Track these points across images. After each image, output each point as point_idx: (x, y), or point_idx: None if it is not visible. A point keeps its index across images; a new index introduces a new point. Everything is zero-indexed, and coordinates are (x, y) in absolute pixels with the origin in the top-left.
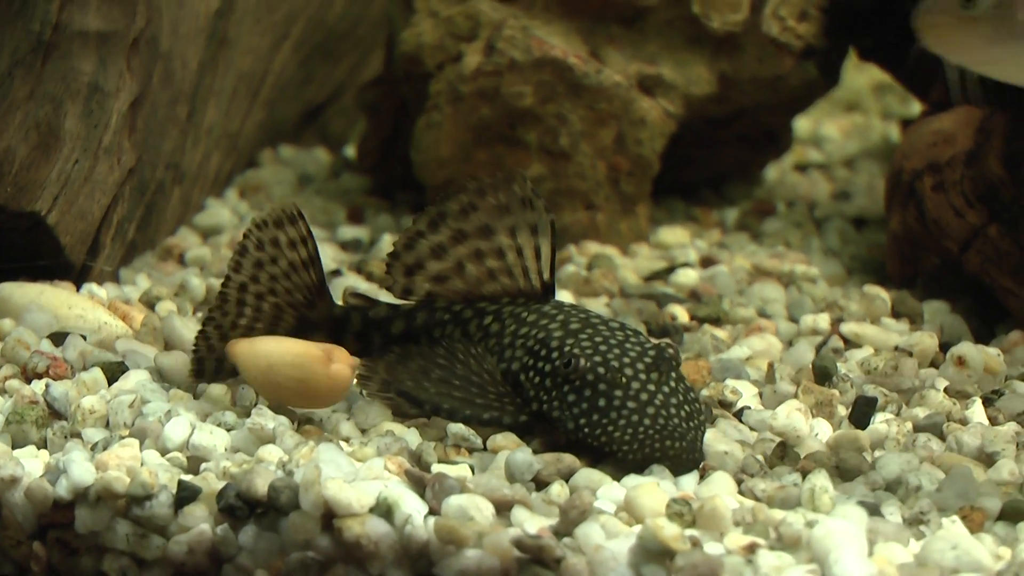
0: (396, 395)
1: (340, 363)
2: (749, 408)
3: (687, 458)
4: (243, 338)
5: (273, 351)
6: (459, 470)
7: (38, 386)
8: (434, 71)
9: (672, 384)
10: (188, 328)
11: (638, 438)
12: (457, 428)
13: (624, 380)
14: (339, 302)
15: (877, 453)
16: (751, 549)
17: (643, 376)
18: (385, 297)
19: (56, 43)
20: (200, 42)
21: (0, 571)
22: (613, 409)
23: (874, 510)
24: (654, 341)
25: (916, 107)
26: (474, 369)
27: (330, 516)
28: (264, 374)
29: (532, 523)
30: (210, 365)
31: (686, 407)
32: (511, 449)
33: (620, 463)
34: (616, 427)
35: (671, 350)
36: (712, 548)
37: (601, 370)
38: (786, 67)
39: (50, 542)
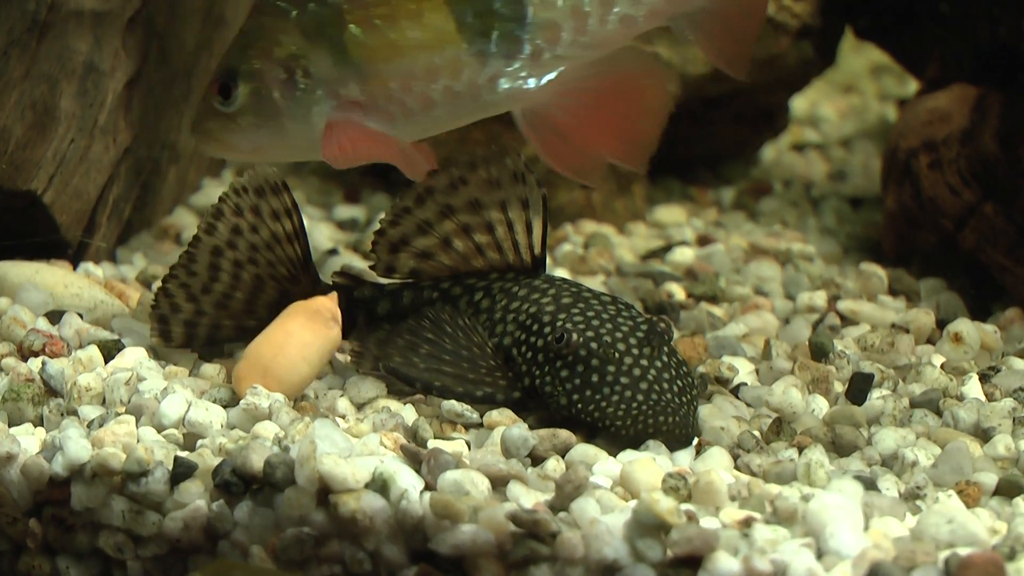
0: (386, 372)
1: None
2: (745, 384)
3: (680, 433)
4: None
5: (281, 323)
6: (455, 446)
7: (34, 364)
8: None
9: (664, 359)
10: None
11: (631, 413)
12: (451, 404)
13: (616, 355)
14: (327, 280)
15: (873, 429)
16: (747, 523)
17: (635, 351)
18: (377, 277)
19: (51, 23)
20: (196, 22)
21: None
22: (606, 384)
23: (870, 484)
24: (646, 316)
25: (913, 89)
26: (463, 343)
27: (326, 492)
28: (285, 345)
29: (528, 498)
30: (178, 329)
31: (679, 382)
32: (507, 425)
33: (613, 438)
34: (609, 403)
35: (663, 324)
36: (708, 522)
37: (594, 345)
38: (782, 46)
39: (46, 519)
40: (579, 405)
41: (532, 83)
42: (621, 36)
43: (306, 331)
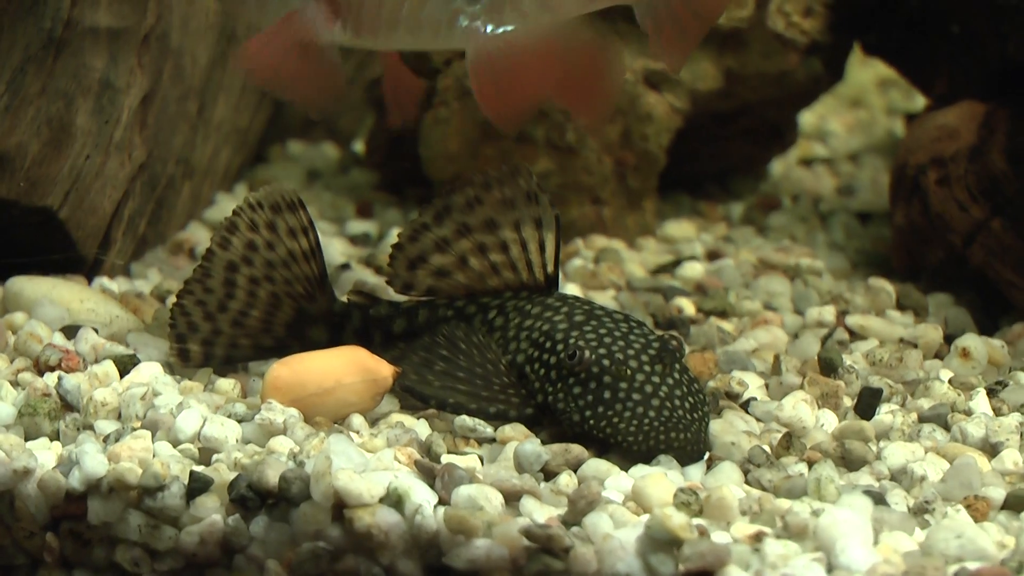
0: (400, 389)
1: (382, 362)
2: (755, 399)
3: (691, 449)
4: (278, 362)
5: (335, 369)
6: (468, 461)
7: (50, 379)
8: (442, 67)
9: (676, 376)
10: None
11: (643, 430)
12: (463, 420)
13: (629, 372)
14: (343, 298)
15: (882, 444)
16: (758, 538)
17: (647, 368)
18: (392, 294)
19: (67, 39)
20: (210, 38)
21: (13, 562)
22: (618, 401)
23: (879, 499)
24: (658, 333)
25: (920, 102)
26: (477, 360)
27: (341, 507)
28: (328, 393)
29: (541, 513)
30: (196, 348)
31: (690, 399)
32: (520, 440)
33: (625, 454)
34: (621, 419)
35: (675, 342)
36: (719, 537)
37: (606, 362)
38: (791, 63)
39: (63, 533)
40: (591, 421)
41: (488, 28)
42: (581, 4)
43: (353, 394)
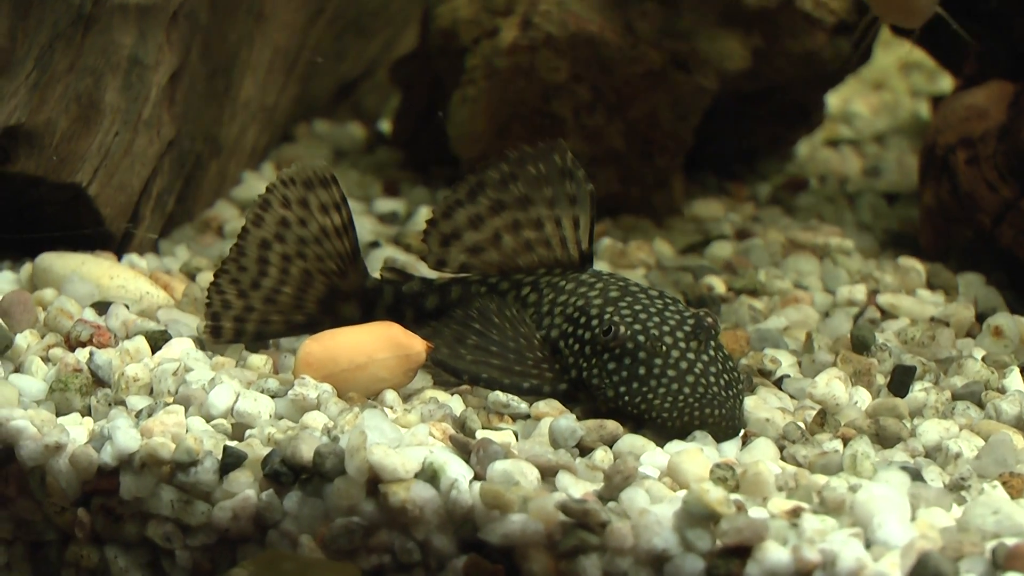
0: (433, 364)
1: (414, 338)
2: (788, 376)
3: (726, 425)
4: (310, 338)
5: (367, 344)
6: (503, 436)
7: (82, 354)
8: (470, 46)
9: (711, 352)
10: None
11: (678, 406)
12: (496, 396)
13: (664, 348)
14: (375, 274)
15: (916, 421)
16: (795, 513)
17: (683, 344)
18: (423, 271)
19: (96, 16)
20: (237, 16)
21: (43, 538)
22: (653, 377)
23: (916, 475)
24: (693, 310)
25: (944, 85)
26: (510, 335)
27: (375, 482)
28: (360, 369)
29: (577, 488)
30: (228, 324)
31: (725, 375)
32: (554, 416)
33: (660, 430)
34: (656, 395)
35: (710, 319)
36: (756, 512)
37: (641, 338)
38: (819, 42)
39: (94, 509)
40: (626, 397)
41: None
42: None
43: (385, 369)
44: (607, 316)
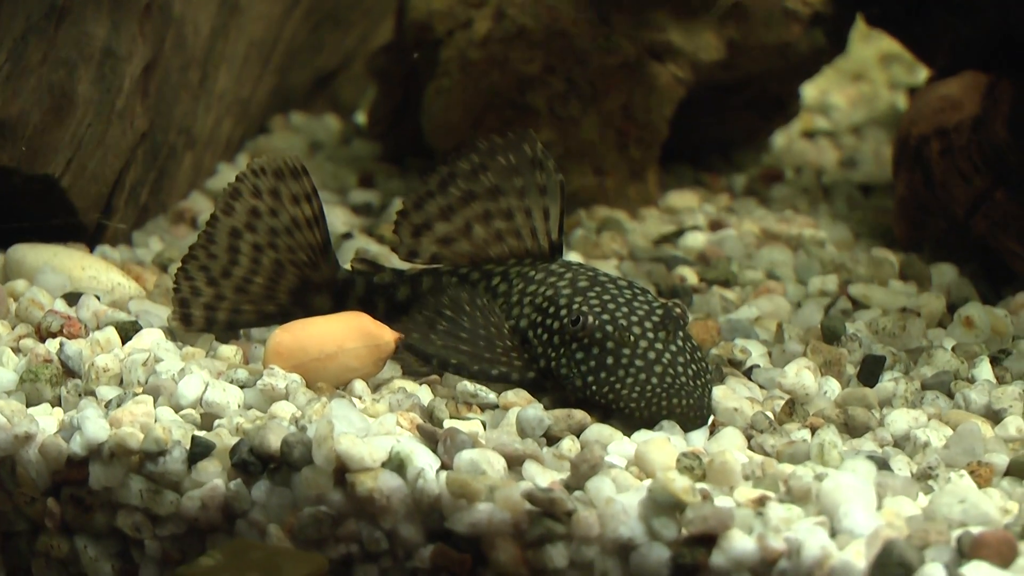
0: (403, 349)
1: (384, 328)
2: (758, 367)
3: (694, 416)
4: (280, 328)
5: (336, 334)
6: (471, 426)
7: (52, 345)
8: (444, 37)
9: (680, 343)
10: None
11: (645, 396)
12: (464, 385)
13: (632, 339)
14: (347, 266)
15: (885, 411)
16: (761, 502)
17: (651, 335)
18: (395, 262)
19: (69, 8)
20: (212, 8)
21: (14, 528)
22: (620, 367)
23: (883, 464)
24: (662, 300)
25: (922, 77)
26: (480, 323)
27: (342, 471)
28: (330, 358)
29: (543, 477)
30: (199, 312)
31: (693, 365)
32: (522, 406)
33: (628, 420)
34: (623, 385)
35: (678, 309)
36: (722, 501)
37: (609, 328)
38: (794, 34)
39: (64, 499)
40: (593, 387)
41: None
42: None
43: (355, 359)
44: (575, 306)
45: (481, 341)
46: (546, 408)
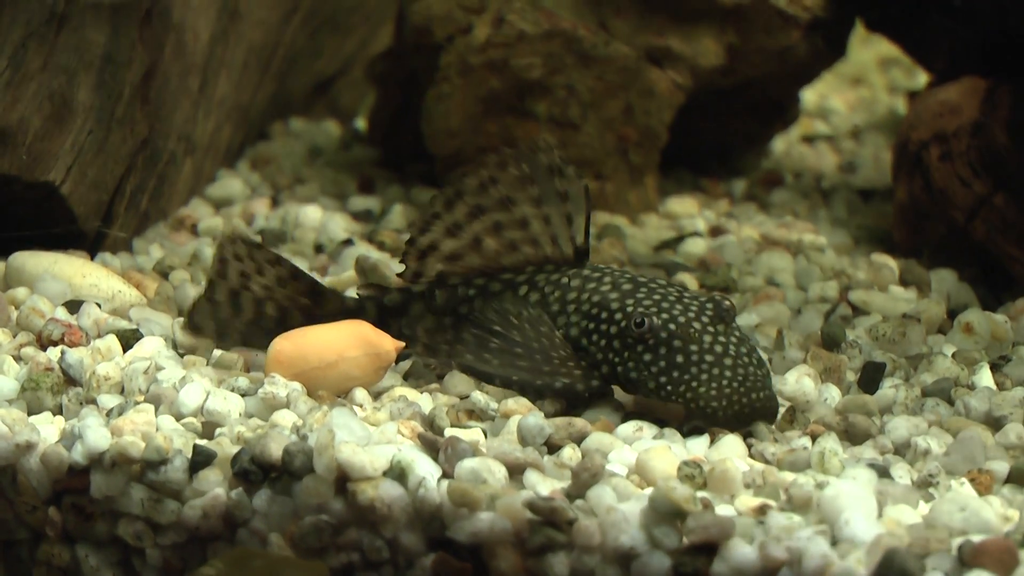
0: (460, 370)
1: (385, 336)
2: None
3: (771, 407)
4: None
5: (337, 342)
6: (472, 434)
7: (53, 353)
8: (444, 43)
9: (737, 334)
10: None
11: (724, 393)
12: (476, 397)
13: (696, 335)
14: (353, 292)
15: (886, 418)
16: (762, 511)
17: (711, 329)
18: (396, 268)
19: (69, 14)
20: (211, 14)
21: (15, 536)
22: (692, 364)
23: (883, 472)
24: (706, 294)
25: (922, 81)
26: (531, 334)
27: (343, 480)
28: (331, 367)
29: (544, 486)
30: (209, 326)
31: (755, 355)
32: (523, 414)
33: (710, 419)
34: (700, 383)
35: (727, 301)
36: (723, 510)
37: (672, 327)
38: (793, 39)
39: (65, 507)
40: (669, 387)
41: None
42: None
43: (356, 367)
44: (630, 309)
45: (537, 354)
46: (625, 412)
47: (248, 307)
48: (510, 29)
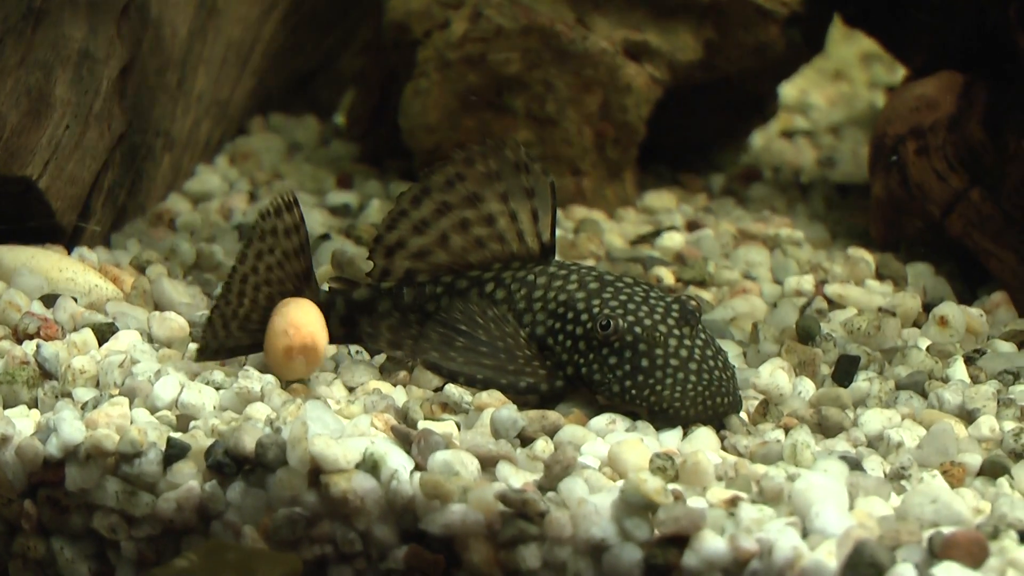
0: (424, 367)
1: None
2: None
3: (735, 411)
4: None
5: (317, 316)
6: (445, 427)
7: (29, 347)
8: (421, 38)
9: (703, 336)
10: (178, 291)
11: (688, 396)
12: (451, 391)
13: (662, 338)
14: (324, 286)
15: (859, 410)
16: (733, 503)
17: (676, 332)
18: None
19: (47, 10)
20: (189, 10)
21: None
22: (657, 368)
23: (855, 465)
24: (671, 294)
25: (903, 76)
26: (496, 333)
27: (317, 472)
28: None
29: (517, 478)
30: (213, 346)
31: (720, 357)
32: (496, 407)
33: (672, 421)
34: (664, 386)
35: (693, 302)
36: (694, 502)
37: (638, 330)
38: (771, 34)
39: (40, 500)
40: (633, 391)
41: None
42: None
43: (315, 313)
44: (596, 310)
45: (502, 353)
46: (564, 413)
47: (247, 299)
48: (487, 24)
